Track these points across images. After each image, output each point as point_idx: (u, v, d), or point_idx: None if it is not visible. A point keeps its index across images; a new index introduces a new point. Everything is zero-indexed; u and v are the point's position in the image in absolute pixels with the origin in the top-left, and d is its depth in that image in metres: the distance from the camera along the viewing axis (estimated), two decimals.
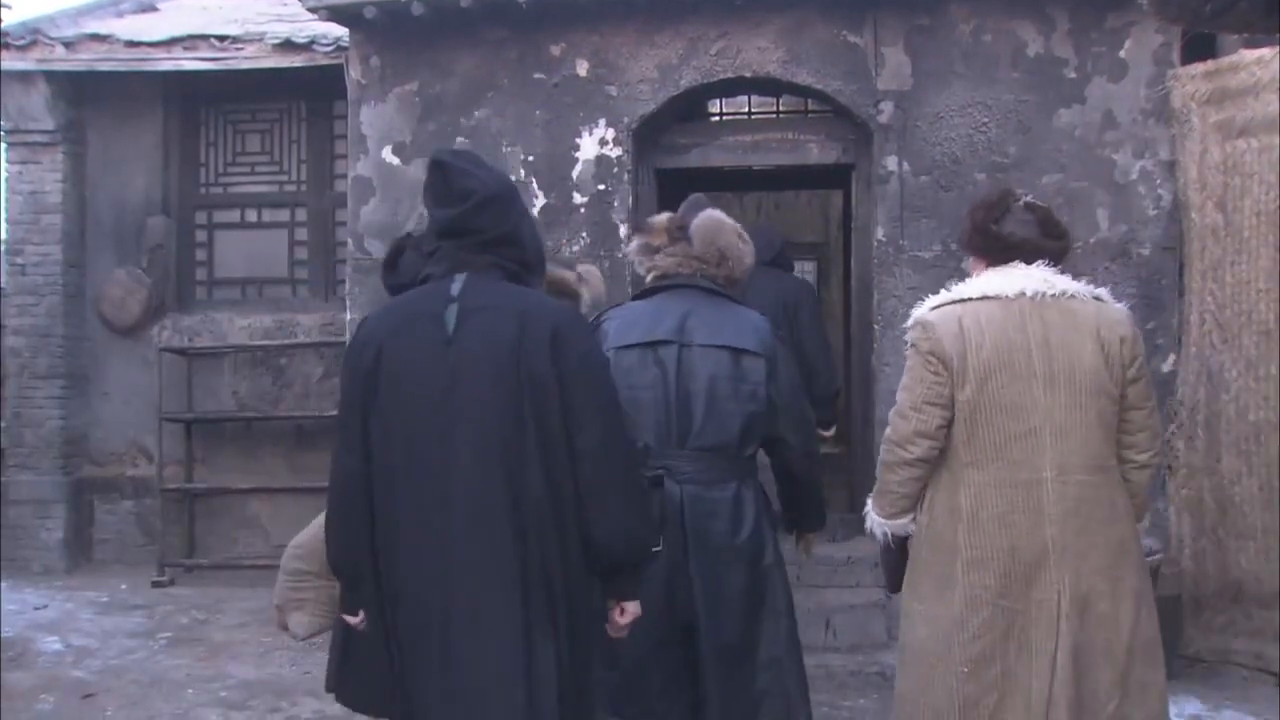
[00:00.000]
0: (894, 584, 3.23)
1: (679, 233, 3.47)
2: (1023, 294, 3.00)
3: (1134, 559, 3.02)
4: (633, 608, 2.67)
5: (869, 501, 3.15)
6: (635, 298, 3.55)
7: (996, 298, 3.01)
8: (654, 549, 2.80)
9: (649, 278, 3.46)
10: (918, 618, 3.06)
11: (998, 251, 3.11)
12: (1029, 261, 3.05)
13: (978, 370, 2.94)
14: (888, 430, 3.08)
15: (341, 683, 3.47)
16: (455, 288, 2.58)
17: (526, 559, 2.47)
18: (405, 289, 2.99)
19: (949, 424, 2.98)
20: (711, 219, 3.48)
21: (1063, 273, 3.05)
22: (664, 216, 3.58)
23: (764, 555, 3.25)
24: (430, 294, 2.62)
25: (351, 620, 2.69)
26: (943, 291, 3.15)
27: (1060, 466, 2.91)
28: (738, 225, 3.48)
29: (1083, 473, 2.94)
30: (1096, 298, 3.09)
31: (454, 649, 2.45)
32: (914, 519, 3.08)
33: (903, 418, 3.02)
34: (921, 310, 3.11)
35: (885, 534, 3.12)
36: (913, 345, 3.07)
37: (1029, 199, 3.21)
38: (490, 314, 2.54)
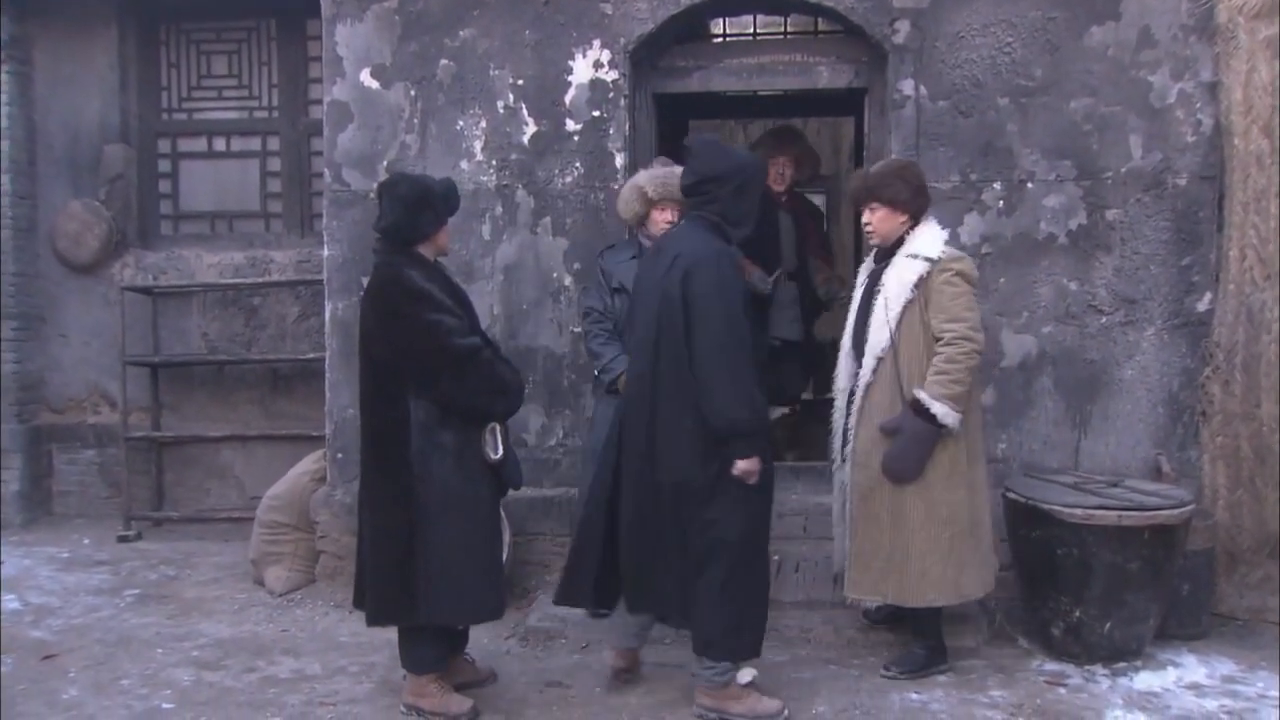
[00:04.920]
0: (920, 473, 4.42)
1: None
2: None
3: None
4: (742, 465, 4.03)
5: (944, 403, 4.32)
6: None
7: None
8: (750, 429, 4.04)
9: None
10: (981, 485, 4.57)
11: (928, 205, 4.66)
12: None
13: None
14: (970, 344, 4.38)
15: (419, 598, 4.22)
16: (675, 228, 4.42)
17: (655, 402, 4.13)
18: (385, 232, 4.27)
19: None
20: None
21: None
22: None
23: None
24: (671, 231, 4.45)
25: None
26: (945, 233, 4.60)
27: None
28: None
29: None
30: None
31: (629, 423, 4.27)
32: None
33: (977, 332, 4.43)
34: (952, 250, 4.57)
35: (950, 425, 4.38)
36: (960, 275, 4.45)
37: None
38: (663, 254, 4.18)
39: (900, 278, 4.49)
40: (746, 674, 4.27)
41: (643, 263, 4.50)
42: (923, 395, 4.36)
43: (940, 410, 4.34)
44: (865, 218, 4.66)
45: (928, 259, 4.46)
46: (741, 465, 4.04)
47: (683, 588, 4.15)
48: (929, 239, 4.54)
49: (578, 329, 5.73)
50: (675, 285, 4.03)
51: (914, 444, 4.39)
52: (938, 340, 4.41)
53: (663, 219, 5.17)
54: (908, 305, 4.45)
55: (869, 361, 4.52)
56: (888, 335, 4.48)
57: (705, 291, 4.00)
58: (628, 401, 4.33)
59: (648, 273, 4.28)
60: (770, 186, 6.30)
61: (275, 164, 7.57)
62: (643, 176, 5.15)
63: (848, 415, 4.66)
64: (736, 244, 4.31)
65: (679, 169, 5.23)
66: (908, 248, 4.53)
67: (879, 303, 4.53)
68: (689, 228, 4.24)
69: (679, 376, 4.04)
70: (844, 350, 4.79)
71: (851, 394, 4.65)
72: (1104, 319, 5.46)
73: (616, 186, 5.73)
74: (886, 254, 4.63)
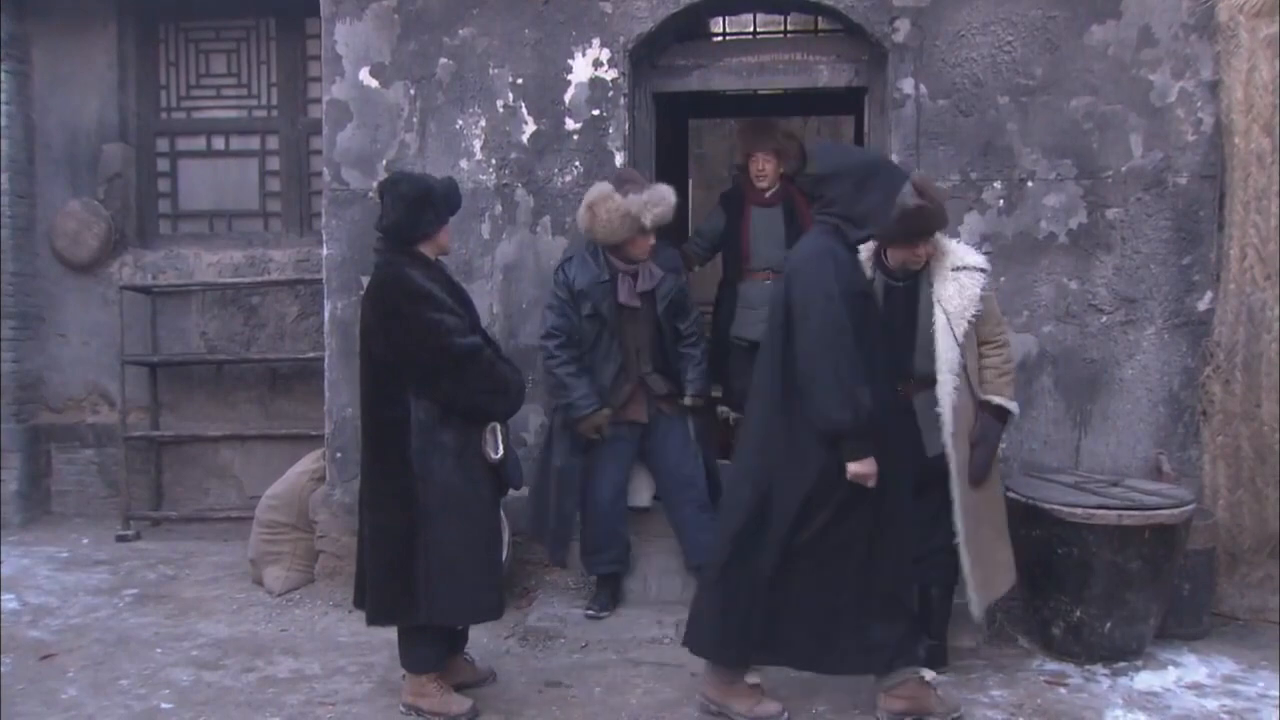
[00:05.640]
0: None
1: None
2: None
3: None
4: (854, 468, 3.91)
5: (1012, 401, 4.55)
6: None
7: None
8: (853, 431, 3.89)
9: None
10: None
11: None
12: None
13: None
14: (1011, 346, 4.68)
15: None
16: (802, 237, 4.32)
17: (757, 402, 4.19)
18: (387, 231, 4.25)
19: None
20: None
21: None
22: None
23: None
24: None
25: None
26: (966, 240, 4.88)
27: None
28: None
29: None
30: None
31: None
32: None
33: None
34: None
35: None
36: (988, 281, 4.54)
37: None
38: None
39: (965, 293, 4.43)
40: (754, 675, 4.25)
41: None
42: (1004, 400, 4.50)
43: (1015, 409, 4.59)
44: (922, 250, 4.42)
45: (981, 270, 4.47)
46: (853, 469, 3.91)
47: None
48: (966, 249, 4.57)
49: None
50: (780, 294, 4.06)
51: (994, 446, 4.55)
52: (989, 344, 4.50)
53: (646, 244, 5.14)
54: (973, 319, 4.45)
55: (950, 380, 4.41)
56: (959, 352, 4.41)
57: (803, 292, 3.96)
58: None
59: None
60: (753, 184, 6.31)
61: (274, 163, 7.56)
62: (634, 203, 5.04)
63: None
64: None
65: (666, 191, 5.15)
66: (951, 260, 4.47)
67: (938, 321, 4.43)
68: (811, 233, 4.19)
69: (770, 386, 4.07)
70: None
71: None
72: (1104, 318, 5.46)
73: None
74: (908, 272, 4.52)
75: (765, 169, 6.14)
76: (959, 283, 4.44)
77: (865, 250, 4.54)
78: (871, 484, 3.93)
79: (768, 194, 6.18)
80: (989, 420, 4.49)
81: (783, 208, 6.30)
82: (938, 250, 4.48)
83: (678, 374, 5.37)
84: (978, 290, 4.43)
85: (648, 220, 5.04)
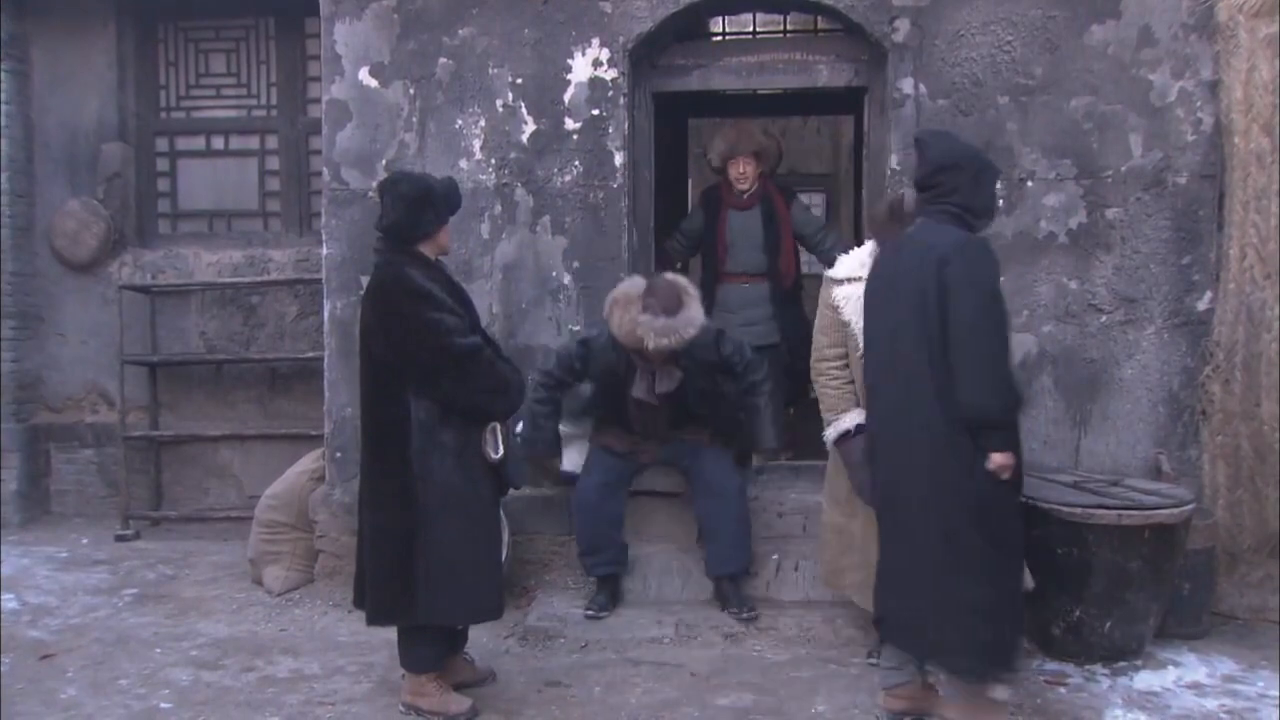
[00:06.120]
0: None
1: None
2: None
3: None
4: (997, 459, 3.79)
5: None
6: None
7: None
8: (1000, 420, 3.81)
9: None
10: None
11: None
12: None
13: None
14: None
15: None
16: (915, 226, 4.03)
17: (905, 387, 3.95)
18: (387, 231, 4.24)
19: None
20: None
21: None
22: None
23: None
24: (911, 230, 4.09)
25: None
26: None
27: None
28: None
29: None
30: None
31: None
32: None
33: None
34: None
35: None
36: None
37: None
38: (916, 246, 3.95)
39: None
40: (1002, 690, 4.01)
41: (876, 275, 4.18)
42: None
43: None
44: None
45: None
46: (996, 459, 3.79)
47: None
48: None
49: (577, 327, 5.73)
50: (930, 277, 3.82)
51: None
52: None
53: (654, 357, 5.12)
54: None
55: None
56: None
57: (958, 276, 3.79)
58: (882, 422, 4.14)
59: (886, 281, 4.08)
60: (731, 187, 6.31)
61: (274, 163, 7.56)
62: (645, 325, 4.95)
63: None
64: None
65: (683, 324, 4.99)
66: None
67: None
68: (935, 224, 3.97)
69: (928, 360, 3.86)
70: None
71: None
72: (1104, 318, 5.46)
73: (616, 185, 5.75)
74: None
75: (746, 171, 6.27)
76: None
77: (865, 253, 4.50)
78: (1006, 476, 3.82)
79: (745, 196, 6.24)
80: None
81: (760, 209, 6.31)
82: None
83: (737, 422, 5.44)
84: None
85: (650, 345, 4.98)
